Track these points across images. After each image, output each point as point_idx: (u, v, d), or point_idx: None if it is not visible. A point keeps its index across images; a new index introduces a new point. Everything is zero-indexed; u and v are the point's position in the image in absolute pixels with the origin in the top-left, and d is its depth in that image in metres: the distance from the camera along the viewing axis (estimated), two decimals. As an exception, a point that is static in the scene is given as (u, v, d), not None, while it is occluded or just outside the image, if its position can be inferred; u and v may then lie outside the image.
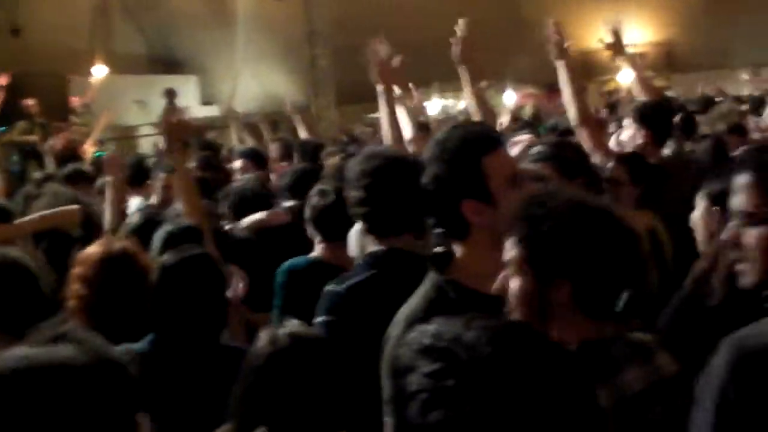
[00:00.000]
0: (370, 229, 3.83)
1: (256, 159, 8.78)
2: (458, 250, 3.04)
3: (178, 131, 5.34)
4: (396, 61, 5.35)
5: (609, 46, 6.63)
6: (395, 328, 2.95)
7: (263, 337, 3.06)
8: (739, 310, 2.71)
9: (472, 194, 2.92)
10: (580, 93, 5.71)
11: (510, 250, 2.61)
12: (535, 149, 4.64)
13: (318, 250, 5.02)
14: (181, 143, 5.34)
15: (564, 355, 1.67)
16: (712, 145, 6.87)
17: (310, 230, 5.03)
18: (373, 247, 3.77)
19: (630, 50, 23.46)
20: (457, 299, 2.93)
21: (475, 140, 2.98)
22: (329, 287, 3.67)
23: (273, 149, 9.61)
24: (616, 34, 6.57)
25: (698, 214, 3.59)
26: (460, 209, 2.93)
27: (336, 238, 4.92)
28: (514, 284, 2.59)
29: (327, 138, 13.77)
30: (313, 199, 5.00)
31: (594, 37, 7.00)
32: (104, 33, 26.09)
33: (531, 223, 2.56)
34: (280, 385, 2.98)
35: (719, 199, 3.40)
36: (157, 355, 3.73)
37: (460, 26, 5.80)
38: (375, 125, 12.74)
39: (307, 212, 5.02)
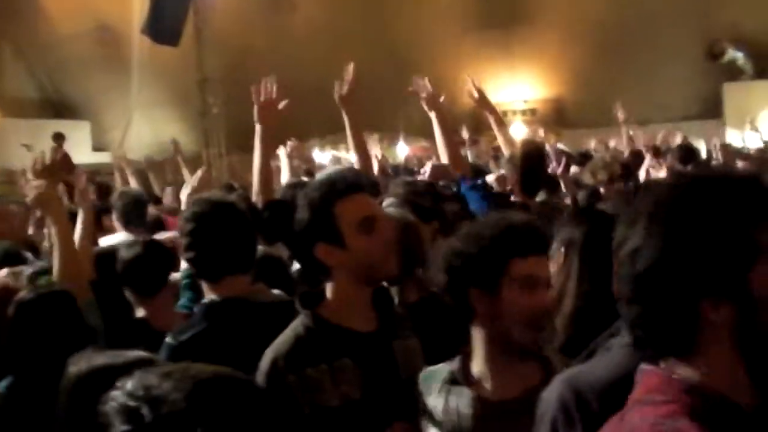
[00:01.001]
0: (198, 274, 3.84)
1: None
2: (327, 288, 3.11)
3: (59, 167, 5.11)
4: (282, 104, 5.31)
5: (476, 102, 6.75)
6: (263, 362, 3.00)
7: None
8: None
9: (324, 238, 3.01)
10: (452, 142, 5.86)
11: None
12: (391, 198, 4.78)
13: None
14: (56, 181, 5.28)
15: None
16: (587, 195, 7.00)
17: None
18: (210, 294, 3.74)
19: (520, 105, 23.85)
20: (321, 335, 3.02)
21: (330, 186, 3.08)
22: (167, 339, 3.58)
23: (167, 193, 9.54)
24: (479, 91, 6.69)
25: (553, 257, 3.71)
26: (314, 252, 3.03)
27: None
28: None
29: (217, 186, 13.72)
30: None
31: (489, 92, 7.14)
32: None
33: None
34: None
35: (569, 246, 3.53)
36: (14, 397, 3.60)
37: (347, 70, 5.92)
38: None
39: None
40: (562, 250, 3.38)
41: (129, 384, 1.49)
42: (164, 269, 4.65)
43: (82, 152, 23.27)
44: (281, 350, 3.00)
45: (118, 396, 1.48)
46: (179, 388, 1.43)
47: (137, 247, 4.76)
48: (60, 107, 28.42)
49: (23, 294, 3.90)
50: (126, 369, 2.37)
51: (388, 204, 4.64)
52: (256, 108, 5.23)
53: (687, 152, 10.05)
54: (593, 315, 2.92)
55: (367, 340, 3.05)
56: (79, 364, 2.68)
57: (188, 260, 3.83)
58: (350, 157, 10.88)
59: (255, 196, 5.16)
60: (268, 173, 5.30)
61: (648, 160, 9.35)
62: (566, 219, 3.65)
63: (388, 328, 3.13)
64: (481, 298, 2.75)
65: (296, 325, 3.07)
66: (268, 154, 5.26)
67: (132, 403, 1.44)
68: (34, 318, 3.77)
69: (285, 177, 6.09)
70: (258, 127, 5.22)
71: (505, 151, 6.63)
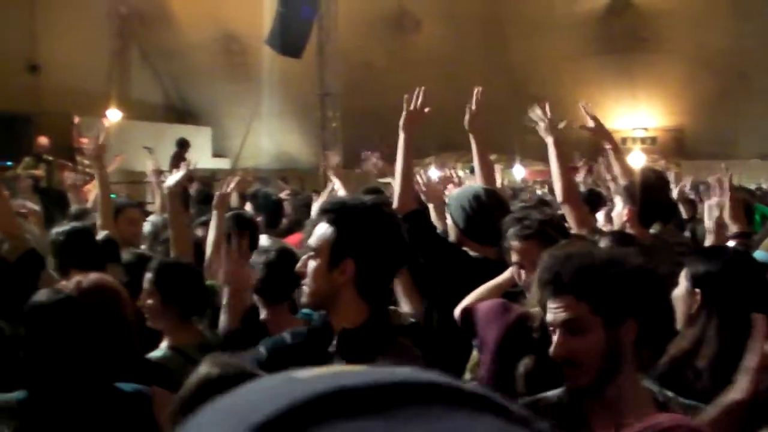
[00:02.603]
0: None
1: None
2: None
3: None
4: (426, 110, 5.30)
5: (591, 131, 6.64)
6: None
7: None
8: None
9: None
10: (566, 170, 5.79)
11: (568, 310, 2.69)
12: (523, 225, 4.73)
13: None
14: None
15: None
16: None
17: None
18: None
19: (640, 133, 23.49)
20: None
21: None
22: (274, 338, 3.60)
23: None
24: (594, 119, 6.59)
25: (679, 292, 3.62)
26: None
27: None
28: (580, 341, 2.69)
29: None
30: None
31: (605, 119, 7.08)
32: (121, 78, 26.32)
33: (590, 274, 2.67)
34: None
35: (701, 281, 3.47)
36: (34, 403, 3.41)
37: (474, 95, 5.97)
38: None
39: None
40: (696, 289, 3.36)
41: None
42: (294, 279, 4.75)
43: (202, 157, 23.71)
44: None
45: None
46: None
47: (271, 254, 4.89)
48: (183, 112, 28.96)
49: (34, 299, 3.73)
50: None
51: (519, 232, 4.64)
52: (404, 115, 5.21)
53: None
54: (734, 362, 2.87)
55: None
56: (211, 367, 2.74)
57: None
58: (461, 174, 11.00)
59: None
60: (409, 182, 5.30)
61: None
62: (698, 256, 3.60)
63: None
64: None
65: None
66: (410, 163, 5.24)
67: None
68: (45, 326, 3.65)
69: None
70: (402, 135, 5.22)
71: (621, 181, 6.54)
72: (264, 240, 6.86)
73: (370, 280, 3.17)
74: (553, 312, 2.71)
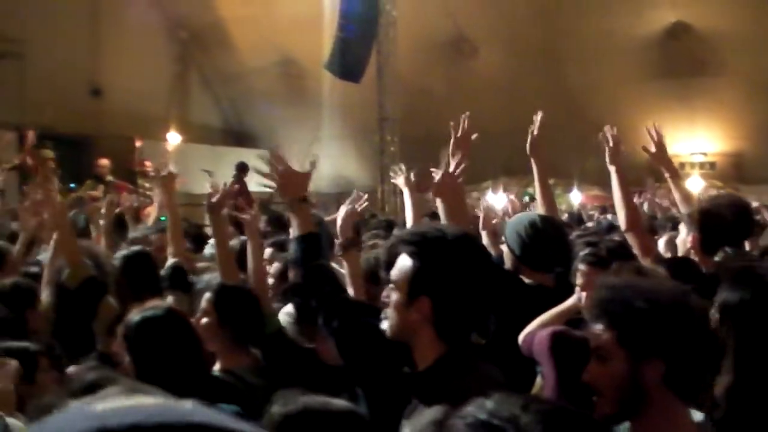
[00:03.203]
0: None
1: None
2: None
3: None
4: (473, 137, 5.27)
5: (652, 156, 6.57)
6: None
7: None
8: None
9: None
10: (630, 198, 5.72)
11: (597, 336, 2.71)
12: (592, 250, 4.72)
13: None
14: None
15: None
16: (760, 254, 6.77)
17: None
18: None
19: (699, 158, 23.21)
20: None
21: None
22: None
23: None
24: (659, 143, 6.51)
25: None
26: None
27: None
28: (604, 370, 2.70)
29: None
30: None
31: (667, 143, 7.00)
32: (181, 101, 26.61)
33: (623, 305, 2.67)
34: None
35: (727, 310, 3.41)
36: None
37: (535, 120, 5.97)
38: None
39: None
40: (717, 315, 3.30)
41: (488, 404, 1.54)
42: None
43: (259, 181, 23.81)
44: None
45: (475, 413, 1.53)
46: (538, 421, 1.48)
47: None
48: (241, 136, 29.19)
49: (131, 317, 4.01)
50: (338, 416, 2.48)
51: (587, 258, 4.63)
52: (452, 143, 5.16)
53: None
54: (752, 390, 2.85)
55: None
56: (288, 403, 2.73)
57: None
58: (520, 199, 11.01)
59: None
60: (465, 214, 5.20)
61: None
62: (727, 282, 3.57)
63: None
64: None
65: None
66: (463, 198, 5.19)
67: (496, 422, 1.49)
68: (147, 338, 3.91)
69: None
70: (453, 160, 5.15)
71: (681, 208, 6.48)
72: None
73: (448, 320, 3.03)
74: (590, 337, 2.76)
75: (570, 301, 4.39)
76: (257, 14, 24.33)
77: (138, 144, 22.50)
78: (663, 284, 2.83)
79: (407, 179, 6.51)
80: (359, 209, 5.43)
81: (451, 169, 4.69)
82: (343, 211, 5.28)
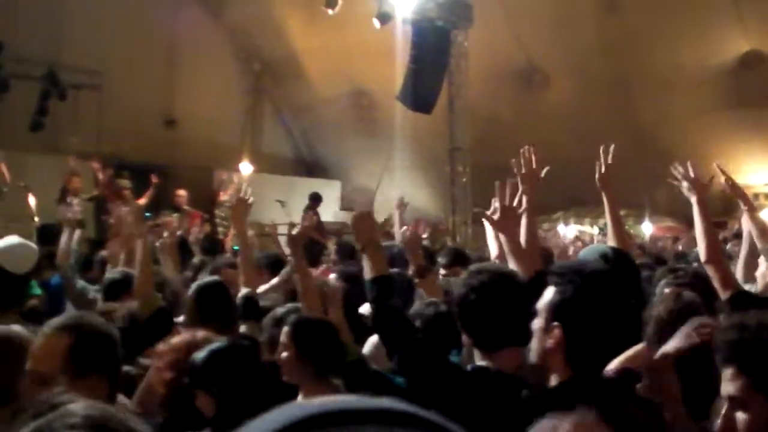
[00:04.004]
0: (475, 343, 3.94)
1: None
2: None
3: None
4: (543, 172, 5.26)
5: (729, 188, 6.48)
6: None
7: None
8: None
9: None
10: (711, 228, 5.64)
11: (730, 383, 2.60)
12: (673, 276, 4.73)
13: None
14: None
15: None
16: None
17: None
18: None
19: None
20: None
21: None
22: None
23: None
24: (729, 179, 6.43)
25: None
26: None
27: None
28: (742, 417, 2.59)
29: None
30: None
31: (737, 174, 6.94)
32: (254, 132, 26.90)
33: (754, 349, 2.57)
34: None
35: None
36: None
37: (606, 151, 5.95)
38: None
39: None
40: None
41: None
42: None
43: (331, 211, 24.03)
44: None
45: None
46: None
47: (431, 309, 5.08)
48: (312, 166, 29.40)
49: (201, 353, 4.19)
50: None
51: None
52: (519, 178, 5.15)
53: None
54: None
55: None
56: None
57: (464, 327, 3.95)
58: (591, 231, 10.97)
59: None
60: (535, 241, 5.26)
61: None
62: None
63: None
64: None
65: None
66: (534, 223, 5.21)
67: None
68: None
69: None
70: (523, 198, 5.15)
71: (758, 242, 6.40)
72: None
73: (577, 348, 3.21)
74: (722, 380, 2.66)
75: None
76: (329, 45, 24.51)
77: (220, 176, 22.79)
78: None
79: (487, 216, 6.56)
80: (424, 234, 5.45)
81: (509, 203, 4.77)
82: (400, 236, 5.33)
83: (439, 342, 4.66)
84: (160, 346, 4.53)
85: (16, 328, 4.20)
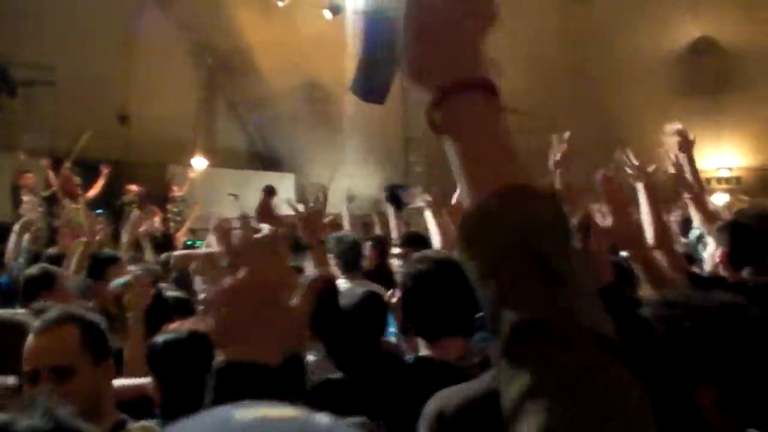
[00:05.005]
0: (417, 332, 3.92)
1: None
2: None
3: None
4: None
5: (673, 177, 6.51)
6: None
7: None
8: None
9: None
10: (659, 216, 5.64)
11: None
12: None
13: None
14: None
15: None
16: None
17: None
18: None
19: (725, 173, 23.10)
20: None
21: None
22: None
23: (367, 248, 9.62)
24: (678, 165, 6.45)
25: None
26: None
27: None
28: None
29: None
30: None
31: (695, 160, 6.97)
32: (207, 127, 26.75)
33: (670, 325, 2.52)
34: None
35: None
36: None
37: (561, 138, 5.94)
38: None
39: None
40: None
41: None
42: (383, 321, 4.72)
43: (285, 204, 23.89)
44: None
45: None
46: None
47: (355, 297, 4.99)
48: (267, 160, 29.29)
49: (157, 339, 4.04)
50: None
51: None
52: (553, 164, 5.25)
53: None
54: None
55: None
56: None
57: (405, 316, 3.93)
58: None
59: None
60: None
61: None
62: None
63: None
64: None
65: None
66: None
67: None
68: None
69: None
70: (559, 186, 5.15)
71: (703, 227, 6.45)
72: (342, 283, 6.84)
73: None
74: None
75: None
76: (281, 38, 24.39)
77: (172, 170, 22.67)
78: (717, 301, 2.57)
79: (429, 202, 6.47)
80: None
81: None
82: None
83: (370, 324, 4.66)
84: None
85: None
